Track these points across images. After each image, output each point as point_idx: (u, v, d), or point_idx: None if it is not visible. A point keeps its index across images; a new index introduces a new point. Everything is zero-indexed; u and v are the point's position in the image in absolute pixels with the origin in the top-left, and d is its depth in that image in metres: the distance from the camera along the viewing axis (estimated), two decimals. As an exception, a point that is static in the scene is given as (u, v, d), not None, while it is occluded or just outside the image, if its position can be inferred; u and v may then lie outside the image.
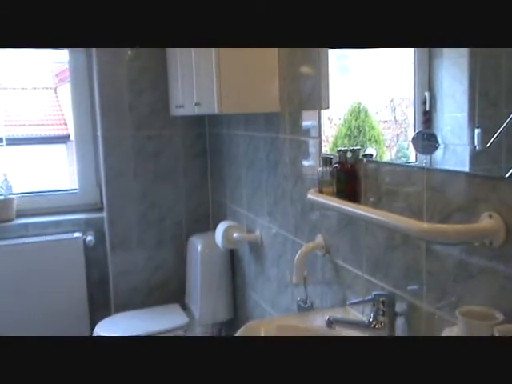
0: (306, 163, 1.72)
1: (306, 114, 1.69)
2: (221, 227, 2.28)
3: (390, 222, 1.07)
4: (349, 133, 1.46)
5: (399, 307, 1.20)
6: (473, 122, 1.00)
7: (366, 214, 1.16)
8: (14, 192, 2.76)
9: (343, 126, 1.50)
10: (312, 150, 1.66)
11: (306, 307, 1.63)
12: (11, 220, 2.70)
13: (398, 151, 1.27)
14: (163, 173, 2.75)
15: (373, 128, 1.38)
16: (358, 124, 1.42)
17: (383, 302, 1.18)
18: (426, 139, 1.14)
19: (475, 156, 1.01)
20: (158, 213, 2.76)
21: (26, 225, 2.69)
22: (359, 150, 1.37)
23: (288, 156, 1.83)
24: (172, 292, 2.78)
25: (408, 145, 1.23)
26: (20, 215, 2.75)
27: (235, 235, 2.21)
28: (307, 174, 1.71)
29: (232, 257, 2.53)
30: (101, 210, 2.84)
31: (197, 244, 2.52)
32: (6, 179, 2.78)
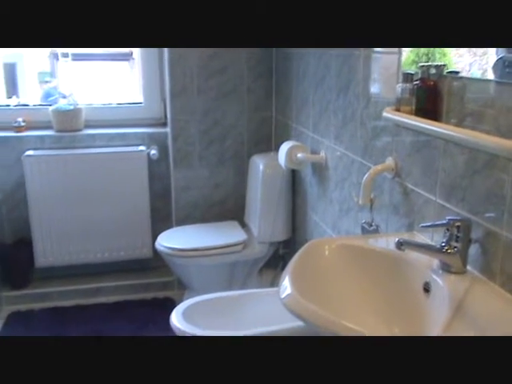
0: (381, 81, 1.62)
1: (385, 27, 1.57)
2: (285, 146, 2.24)
3: (477, 141, 0.99)
4: (416, 59, 1.35)
5: (475, 234, 1.14)
6: None
7: (450, 132, 1.08)
8: (80, 104, 2.81)
9: (411, 52, 1.39)
10: (389, 66, 1.55)
11: (370, 230, 1.60)
12: (80, 130, 2.77)
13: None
14: (227, 90, 2.70)
15: (444, 55, 1.27)
16: (428, 50, 1.31)
17: (458, 227, 1.13)
18: (508, 66, 1.03)
19: None
20: (221, 130, 2.74)
21: (93, 135, 2.75)
22: (444, 66, 1.26)
23: (362, 74, 1.73)
24: (231, 210, 2.82)
25: (483, 74, 1.12)
26: (88, 126, 2.81)
27: (299, 155, 2.17)
28: (381, 93, 1.62)
29: (294, 177, 2.50)
30: (164, 124, 2.86)
31: (258, 163, 2.51)
32: (71, 93, 2.83)
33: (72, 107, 2.74)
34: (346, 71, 1.84)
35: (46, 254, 2.71)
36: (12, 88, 3.34)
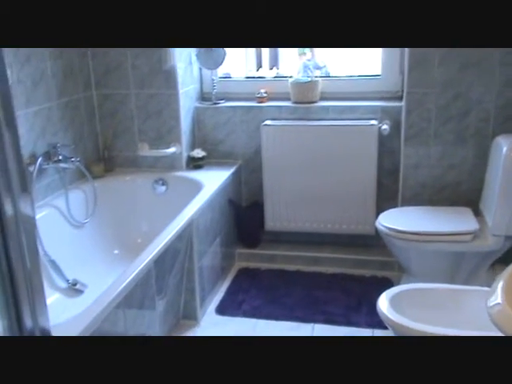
0: None
1: None
2: (535, 127, 1.90)
3: None
4: None
5: None
6: None
7: None
8: (332, 76, 2.85)
9: None
10: None
11: None
12: (315, 102, 2.83)
13: None
14: (474, 60, 2.41)
15: None
16: None
17: None
18: None
19: None
20: (463, 106, 2.47)
21: (326, 107, 2.78)
22: None
23: None
24: (464, 195, 2.55)
25: None
26: (323, 98, 2.85)
27: (553, 138, 1.82)
28: None
29: (545, 164, 2.13)
30: (400, 98, 2.71)
31: (502, 144, 2.20)
32: (325, 65, 2.91)
33: (309, 80, 2.81)
34: None
35: (274, 218, 2.89)
36: (274, 60, 3.60)
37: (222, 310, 2.48)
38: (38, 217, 2.24)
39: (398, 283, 2.50)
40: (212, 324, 2.37)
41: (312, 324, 2.33)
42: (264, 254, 2.92)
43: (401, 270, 2.59)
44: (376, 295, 2.29)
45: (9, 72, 2.17)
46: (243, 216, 2.92)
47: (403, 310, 1.60)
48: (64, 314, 2.06)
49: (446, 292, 1.75)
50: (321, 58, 3.25)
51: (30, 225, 0.98)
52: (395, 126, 2.66)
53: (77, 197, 2.54)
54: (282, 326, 2.32)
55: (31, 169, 2.25)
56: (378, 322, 1.95)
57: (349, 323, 2.32)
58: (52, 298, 2.24)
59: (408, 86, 2.52)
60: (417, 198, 2.61)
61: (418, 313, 1.62)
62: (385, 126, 2.63)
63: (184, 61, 2.78)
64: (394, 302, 1.65)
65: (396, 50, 2.73)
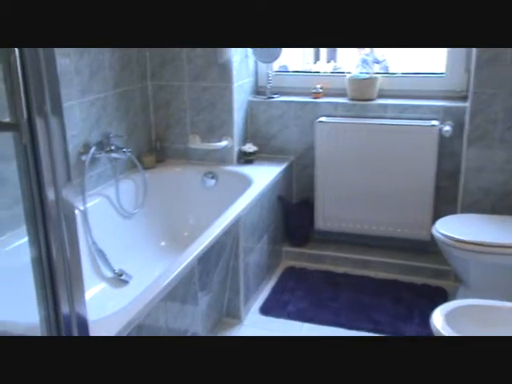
0: None
1: None
2: None
3: None
4: None
5: None
6: None
7: None
8: (391, 73, 2.74)
9: None
10: None
11: None
12: (372, 99, 2.71)
13: None
14: (551, 60, 2.23)
15: None
16: None
17: None
18: None
19: None
20: (534, 108, 2.30)
21: (385, 106, 2.66)
22: None
23: None
24: (532, 204, 2.38)
25: None
26: (381, 96, 2.74)
27: None
28: None
29: None
30: (465, 98, 2.56)
31: None
32: (384, 59, 2.79)
33: (368, 76, 2.70)
34: None
35: (324, 217, 2.80)
36: (332, 53, 3.50)
37: (266, 309, 2.42)
38: (88, 205, 2.25)
39: (454, 295, 2.36)
40: (255, 324, 2.32)
41: (357, 332, 2.23)
42: (312, 253, 2.84)
43: (457, 281, 2.45)
44: (428, 306, 2.17)
45: (67, 61, 2.19)
46: (292, 214, 2.85)
47: (460, 328, 1.49)
48: (108, 305, 2.07)
49: (509, 311, 1.62)
50: (380, 52, 3.13)
51: (72, 214, 0.96)
52: (458, 128, 2.51)
53: (127, 187, 2.55)
54: (327, 332, 2.24)
55: (84, 158, 2.26)
56: (428, 334, 1.84)
57: (397, 334, 2.21)
58: (98, 287, 2.26)
59: (474, 85, 2.37)
60: (478, 205, 2.45)
61: (476, 332, 1.50)
62: (447, 128, 2.49)
63: (240, 54, 2.73)
64: (449, 319, 1.53)
65: (462, 48, 2.57)
